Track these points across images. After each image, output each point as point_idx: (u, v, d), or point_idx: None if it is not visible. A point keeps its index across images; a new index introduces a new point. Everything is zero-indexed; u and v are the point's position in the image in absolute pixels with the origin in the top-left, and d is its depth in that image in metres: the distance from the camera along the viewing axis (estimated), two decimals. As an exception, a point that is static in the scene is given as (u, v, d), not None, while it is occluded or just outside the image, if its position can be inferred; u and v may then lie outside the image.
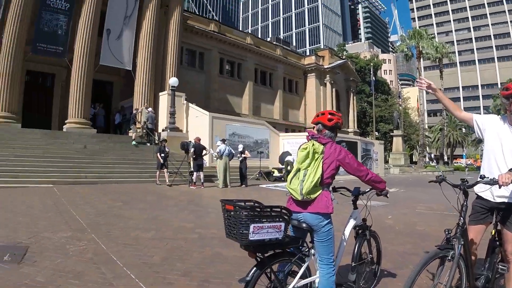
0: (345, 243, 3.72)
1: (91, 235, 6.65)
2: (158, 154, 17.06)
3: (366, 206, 4.04)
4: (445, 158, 66.02)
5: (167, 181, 16.91)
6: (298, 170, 3.40)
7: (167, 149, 17.44)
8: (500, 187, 3.18)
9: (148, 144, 22.05)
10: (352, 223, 3.84)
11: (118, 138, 23.07)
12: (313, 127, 3.75)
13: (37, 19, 22.44)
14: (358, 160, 3.58)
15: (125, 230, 7.20)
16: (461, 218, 3.36)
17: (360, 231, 3.97)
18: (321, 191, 3.32)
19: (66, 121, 22.38)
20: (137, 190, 14.40)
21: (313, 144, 3.39)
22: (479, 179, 3.42)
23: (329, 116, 3.59)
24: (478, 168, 57.03)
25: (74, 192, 12.84)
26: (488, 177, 3.36)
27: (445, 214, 9.93)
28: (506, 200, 3.53)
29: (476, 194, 3.71)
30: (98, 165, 17.67)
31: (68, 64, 23.17)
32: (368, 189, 3.89)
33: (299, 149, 3.51)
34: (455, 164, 66.84)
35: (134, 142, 21.49)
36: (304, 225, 3.34)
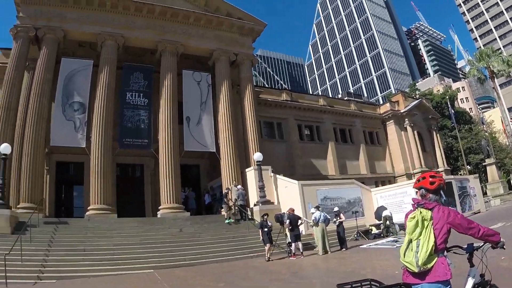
0: None
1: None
2: (261, 230, 16.96)
3: (482, 261, 3.77)
4: None
5: (267, 255, 16.54)
6: (410, 241, 3.36)
7: (269, 223, 17.24)
8: None
9: (242, 221, 22.08)
10: (471, 282, 3.65)
11: (211, 218, 23.39)
12: (416, 192, 3.69)
13: (120, 117, 24.37)
14: (468, 219, 3.48)
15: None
16: None
17: None
18: (436, 258, 3.26)
19: (159, 207, 23.10)
20: (237, 268, 14.29)
21: (420, 212, 3.37)
22: None
23: (431, 179, 3.55)
24: None
25: (174, 276, 13.00)
26: None
27: None
28: None
29: None
30: (195, 247, 17.86)
31: (154, 154, 24.43)
32: (482, 243, 3.73)
33: (406, 219, 3.49)
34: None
35: (227, 221, 21.51)
36: None
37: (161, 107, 24.37)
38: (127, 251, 16.34)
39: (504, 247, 3.63)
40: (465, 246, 3.80)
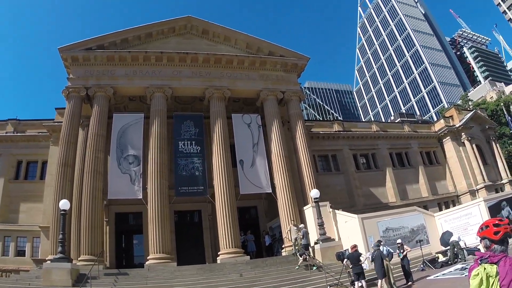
0: None
1: None
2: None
3: None
4: None
5: None
6: None
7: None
8: None
9: (301, 261, 21.57)
10: None
11: (272, 260, 23.05)
12: (480, 240, 3.44)
13: (174, 166, 25.02)
14: None
15: None
16: None
17: None
18: None
19: (219, 253, 23.22)
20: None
21: (484, 268, 3.11)
22: None
23: (495, 229, 3.27)
24: None
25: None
26: None
27: None
28: None
29: None
30: (257, 292, 17.60)
31: (210, 199, 24.72)
32: None
33: (470, 274, 3.22)
34: None
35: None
36: None
37: (214, 153, 24.80)
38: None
39: None
40: None
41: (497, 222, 3.32)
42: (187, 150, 25.46)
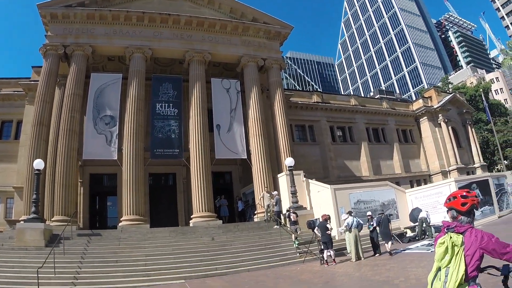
0: None
1: None
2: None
3: None
4: None
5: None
6: (439, 269, 3.17)
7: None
8: None
9: (276, 227, 21.88)
10: None
11: (244, 226, 23.35)
12: (447, 211, 3.47)
13: (151, 128, 24.75)
14: (501, 241, 3.18)
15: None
16: None
17: None
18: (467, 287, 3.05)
19: (191, 216, 23.37)
20: (269, 277, 14.21)
21: (450, 237, 3.17)
22: None
23: (462, 200, 3.31)
24: None
25: (206, 286, 13.07)
26: None
27: None
28: None
29: None
30: (227, 255, 17.87)
31: (186, 163, 24.66)
32: None
33: (436, 243, 3.26)
34: None
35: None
36: None
37: (191, 116, 24.66)
38: (159, 261, 16.54)
39: None
40: (501, 267, 3.46)
41: (465, 193, 3.38)
42: (164, 113, 25.21)
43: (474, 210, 3.35)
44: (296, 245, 18.62)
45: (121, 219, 21.70)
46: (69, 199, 21.17)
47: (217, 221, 23.08)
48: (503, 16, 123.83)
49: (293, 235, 19.13)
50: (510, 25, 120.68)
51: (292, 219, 19.21)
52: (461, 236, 3.16)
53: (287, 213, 19.09)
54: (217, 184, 27.60)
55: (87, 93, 24.05)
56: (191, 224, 22.93)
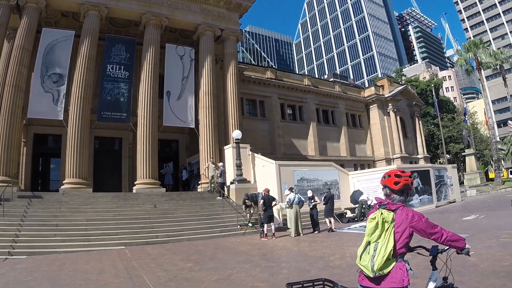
0: None
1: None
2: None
3: (447, 264, 3.60)
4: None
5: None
6: (368, 243, 3.21)
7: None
8: None
9: (218, 198, 21.98)
10: (431, 286, 3.48)
11: (187, 195, 23.27)
12: (382, 188, 3.49)
13: (100, 89, 23.94)
14: (431, 222, 3.27)
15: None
16: None
17: None
18: (394, 263, 3.09)
19: (135, 182, 23.01)
20: (208, 247, 14.25)
21: (381, 213, 3.19)
22: None
23: (395, 179, 3.35)
24: None
25: (145, 254, 12.94)
26: None
27: None
28: None
29: None
30: (168, 224, 17.84)
31: (133, 128, 24.16)
32: (447, 247, 3.53)
33: (367, 220, 3.32)
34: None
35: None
36: None
37: (142, 81, 24.03)
38: (100, 227, 16.27)
39: (470, 254, 3.49)
40: (430, 247, 3.64)
41: (399, 173, 3.40)
42: (115, 75, 24.37)
43: (408, 190, 3.40)
44: (250, 225, 18.61)
45: (63, 181, 21.02)
46: (11, 159, 20.24)
47: (161, 189, 22.92)
48: (463, 19, 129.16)
49: (248, 215, 19.18)
50: (469, 28, 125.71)
51: (247, 204, 19.16)
52: (392, 213, 3.19)
53: (243, 199, 19.02)
54: (163, 152, 27.39)
55: (37, 49, 22.82)
56: (134, 191, 22.60)
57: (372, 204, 21.80)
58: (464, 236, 8.72)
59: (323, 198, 18.59)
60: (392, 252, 3.04)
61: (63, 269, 10.21)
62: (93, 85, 23.13)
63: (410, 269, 3.17)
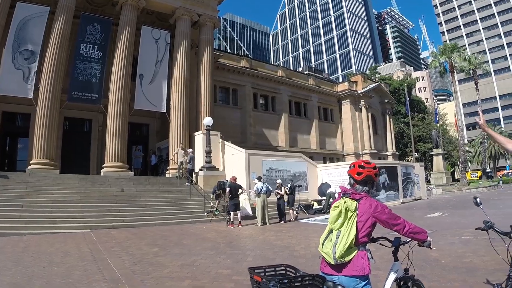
0: None
1: (125, 286, 6.50)
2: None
3: (408, 256, 3.70)
4: (488, 170, 64.32)
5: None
6: (331, 231, 3.21)
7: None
8: None
9: (186, 184, 21.91)
10: (393, 276, 3.54)
11: (155, 180, 23.15)
12: (348, 170, 3.50)
13: (72, 69, 23.32)
14: (394, 214, 3.31)
15: (160, 280, 7.02)
16: None
17: (402, 283, 3.64)
18: (356, 251, 3.11)
19: (103, 165, 22.74)
20: (174, 233, 14.23)
21: (345, 202, 3.20)
22: None
23: (359, 169, 3.36)
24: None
25: (111, 237, 12.84)
26: None
27: (493, 239, 9.41)
28: None
29: None
30: (135, 208, 17.72)
31: (103, 110, 23.80)
32: (409, 239, 3.58)
33: (331, 208, 3.31)
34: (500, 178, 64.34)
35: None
36: (340, 287, 3.08)
37: (115, 62, 23.59)
38: (66, 209, 16.04)
39: (431, 246, 3.50)
40: (392, 239, 3.70)
41: (363, 164, 3.41)
42: (88, 54, 23.81)
43: (372, 181, 3.40)
44: (217, 213, 18.56)
45: (30, 162, 20.57)
46: (-23, 137, 19.76)
47: (129, 173, 22.72)
48: (441, 22, 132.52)
49: (216, 202, 18.99)
50: (445, 32, 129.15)
51: (216, 193, 19.11)
52: (355, 202, 3.20)
53: (213, 189, 18.94)
54: (133, 136, 27.15)
55: (9, 25, 22.02)
56: (102, 174, 22.31)
57: (336, 194, 22.22)
58: (428, 232, 8.96)
59: (287, 189, 18.78)
60: (354, 241, 3.06)
61: (27, 251, 10.05)
62: (65, 64, 22.55)
63: (372, 258, 3.21)
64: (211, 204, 18.78)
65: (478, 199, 3.73)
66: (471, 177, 69.75)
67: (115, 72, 23.43)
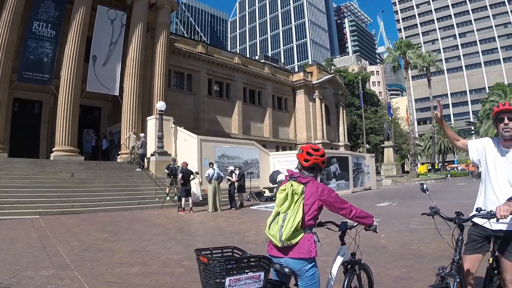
0: (332, 283, 3.48)
1: (74, 272, 6.46)
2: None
3: (355, 240, 3.77)
4: (437, 165, 66.78)
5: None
6: (278, 214, 3.22)
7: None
8: (497, 220, 3.05)
9: (138, 169, 21.73)
10: (339, 260, 3.61)
11: (106, 165, 22.83)
12: (297, 154, 3.52)
13: (23, 48, 22.42)
14: (342, 198, 3.40)
15: (110, 266, 7.01)
16: (456, 253, 3.23)
17: (349, 267, 3.71)
18: (303, 234, 3.13)
19: (53, 149, 22.11)
20: (125, 219, 14.17)
21: (291, 185, 3.19)
22: (475, 212, 3.30)
23: (306, 156, 3.36)
24: (471, 172, 57.85)
25: (60, 223, 12.66)
26: (484, 210, 3.24)
27: (440, 228, 9.90)
28: (504, 228, 3.36)
29: (472, 221, 3.53)
30: (85, 194, 17.45)
31: (55, 91, 23.07)
32: (356, 224, 3.66)
33: (278, 191, 3.30)
34: (447, 171, 67.08)
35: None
36: (286, 270, 3.15)
37: (68, 42, 22.79)
38: (14, 194, 15.65)
39: (377, 230, 3.57)
40: (339, 223, 3.74)
41: (310, 151, 3.39)
42: (41, 33, 22.88)
43: (319, 168, 3.42)
44: (168, 199, 18.55)
45: (-24, 145, 19.77)
46: None
47: (79, 157, 22.25)
48: (399, 19, 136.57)
49: (167, 188, 18.96)
50: (402, 29, 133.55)
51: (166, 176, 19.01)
52: (302, 185, 3.20)
53: (166, 171, 18.83)
54: (84, 119, 26.41)
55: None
56: (52, 157, 21.72)
57: None
58: (377, 220, 9.32)
59: (235, 176, 18.90)
60: (300, 224, 3.08)
61: (-28, 237, 9.82)
62: (16, 42, 21.64)
63: (318, 241, 3.24)
64: (168, 190, 18.72)
65: (424, 185, 3.85)
66: (427, 169, 72.53)
67: (68, 52, 22.68)
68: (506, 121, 3.42)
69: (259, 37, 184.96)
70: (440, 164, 72.35)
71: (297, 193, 3.14)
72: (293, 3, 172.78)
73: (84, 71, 23.49)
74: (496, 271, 3.59)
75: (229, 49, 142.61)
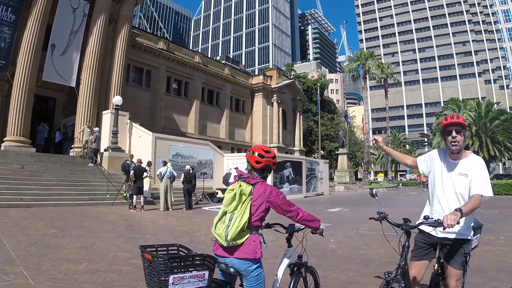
0: (278, 284, 3.50)
1: (19, 267, 6.41)
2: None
3: (302, 243, 3.81)
4: (390, 174, 68.57)
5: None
6: (225, 213, 3.24)
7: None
8: (444, 229, 3.13)
9: (90, 165, 21.47)
10: (286, 262, 3.65)
11: (58, 158, 22.31)
12: (247, 155, 3.54)
13: (-20, 31, 21.63)
14: (291, 202, 3.44)
15: (57, 262, 6.98)
16: (402, 259, 3.31)
17: (295, 269, 3.72)
18: (248, 235, 3.17)
19: (4, 139, 21.48)
20: (75, 214, 14.02)
21: (240, 185, 3.21)
22: (423, 220, 3.37)
23: (258, 158, 3.38)
24: (422, 183, 60.06)
25: (8, 217, 12.42)
26: (432, 218, 3.33)
27: (387, 234, 10.29)
28: (450, 236, 3.50)
29: (419, 228, 3.63)
30: (35, 187, 17.07)
31: (9, 78, 22.38)
32: (303, 226, 3.69)
33: (226, 191, 3.31)
34: (399, 180, 69.17)
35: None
36: (232, 270, 3.18)
37: (28, 28, 22.10)
38: (-40, 185, 15.13)
39: (323, 234, 3.61)
40: (287, 226, 3.75)
41: (262, 153, 3.42)
42: (0, 16, 22.19)
43: (270, 170, 3.48)
44: (126, 195, 18.41)
45: None
46: None
47: (31, 149, 21.71)
48: (361, 30, 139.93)
49: (124, 185, 18.81)
50: (364, 40, 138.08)
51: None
52: (250, 186, 3.22)
53: (122, 166, 18.69)
54: (38, 109, 25.59)
55: None
56: (2, 148, 21.08)
57: None
58: (327, 225, 9.80)
59: (185, 176, 18.96)
60: (246, 224, 3.11)
61: None
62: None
63: (264, 242, 3.29)
64: (124, 186, 18.63)
65: (374, 190, 3.92)
66: (384, 176, 74.46)
67: (26, 39, 22.03)
68: (454, 134, 3.50)
69: (222, 38, 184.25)
70: (393, 173, 74.33)
71: (245, 194, 3.17)
72: (259, 6, 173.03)
73: (41, 59, 22.84)
74: (441, 277, 3.79)
75: (191, 48, 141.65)
